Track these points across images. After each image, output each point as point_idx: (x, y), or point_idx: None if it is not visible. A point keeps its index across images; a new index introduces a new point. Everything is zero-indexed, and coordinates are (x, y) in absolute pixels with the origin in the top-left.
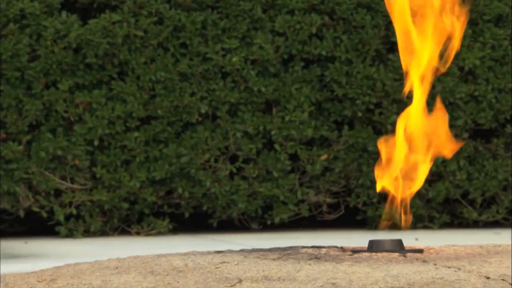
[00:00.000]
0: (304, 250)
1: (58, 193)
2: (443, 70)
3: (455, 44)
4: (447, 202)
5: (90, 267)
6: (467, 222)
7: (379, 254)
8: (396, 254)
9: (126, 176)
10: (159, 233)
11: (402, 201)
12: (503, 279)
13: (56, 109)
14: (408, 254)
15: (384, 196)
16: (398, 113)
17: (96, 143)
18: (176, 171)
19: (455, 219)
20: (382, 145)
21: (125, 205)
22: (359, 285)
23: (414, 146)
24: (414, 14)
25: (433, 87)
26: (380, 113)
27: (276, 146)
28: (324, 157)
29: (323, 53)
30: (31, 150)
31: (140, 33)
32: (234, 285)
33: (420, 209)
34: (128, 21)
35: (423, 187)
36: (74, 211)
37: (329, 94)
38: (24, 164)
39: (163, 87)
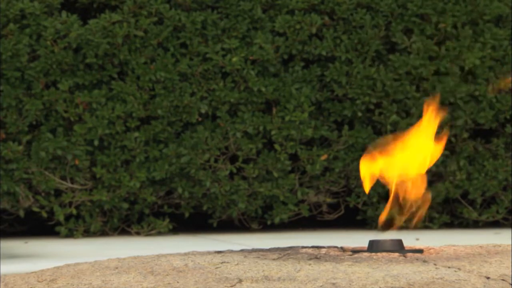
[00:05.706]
0: (304, 250)
1: (58, 193)
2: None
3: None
4: (447, 202)
5: (90, 267)
6: (467, 222)
7: (379, 254)
8: (396, 254)
9: (126, 176)
10: (159, 233)
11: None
12: (503, 279)
13: (56, 109)
14: (408, 254)
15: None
16: (398, 113)
17: (96, 143)
18: (176, 171)
19: (455, 219)
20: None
21: (125, 205)
22: (359, 285)
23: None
24: None
25: (433, 87)
26: (380, 113)
27: (276, 146)
28: (324, 157)
29: (323, 53)
30: (31, 150)
31: (140, 33)
32: (234, 285)
33: None
34: (128, 21)
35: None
36: (74, 211)
37: (329, 94)
38: (24, 164)
39: (163, 87)
